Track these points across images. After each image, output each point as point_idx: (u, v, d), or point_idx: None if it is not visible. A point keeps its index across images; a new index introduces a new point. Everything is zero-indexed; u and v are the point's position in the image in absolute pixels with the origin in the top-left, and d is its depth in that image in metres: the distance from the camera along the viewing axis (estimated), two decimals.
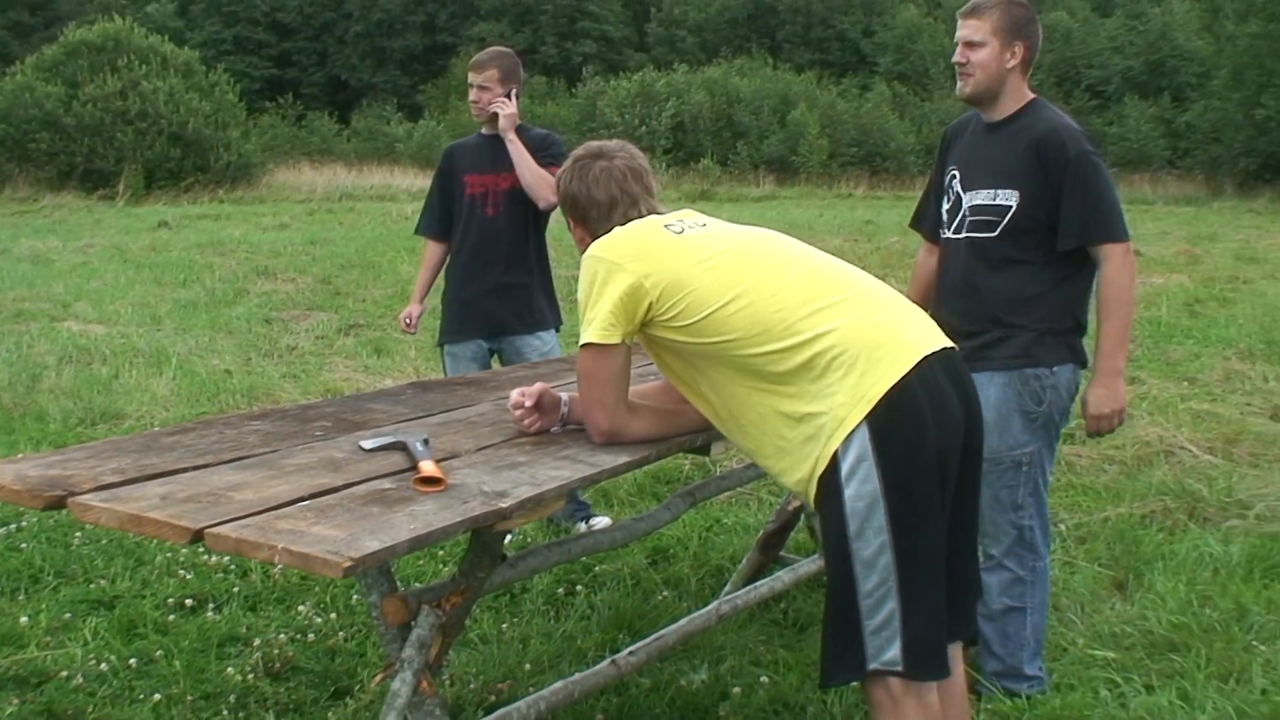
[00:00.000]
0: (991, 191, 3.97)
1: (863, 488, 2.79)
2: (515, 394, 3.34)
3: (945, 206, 4.19)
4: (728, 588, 4.98)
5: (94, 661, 4.27)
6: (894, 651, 2.84)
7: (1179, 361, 9.91)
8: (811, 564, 4.88)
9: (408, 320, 6.02)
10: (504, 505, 2.68)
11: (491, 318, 5.74)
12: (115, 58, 30.83)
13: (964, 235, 4.06)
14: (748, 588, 4.67)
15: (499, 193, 5.71)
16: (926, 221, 4.41)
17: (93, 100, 29.91)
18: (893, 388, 2.79)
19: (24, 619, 4.61)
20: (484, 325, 5.75)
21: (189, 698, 4.06)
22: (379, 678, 3.10)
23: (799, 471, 2.92)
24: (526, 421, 3.31)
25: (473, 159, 5.76)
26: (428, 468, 2.84)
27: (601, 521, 5.81)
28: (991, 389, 3.93)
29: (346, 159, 39.72)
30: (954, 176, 4.14)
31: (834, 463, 2.82)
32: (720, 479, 4.41)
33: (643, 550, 5.48)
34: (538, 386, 3.34)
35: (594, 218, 3.23)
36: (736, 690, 4.09)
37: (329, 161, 38.34)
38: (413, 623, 3.03)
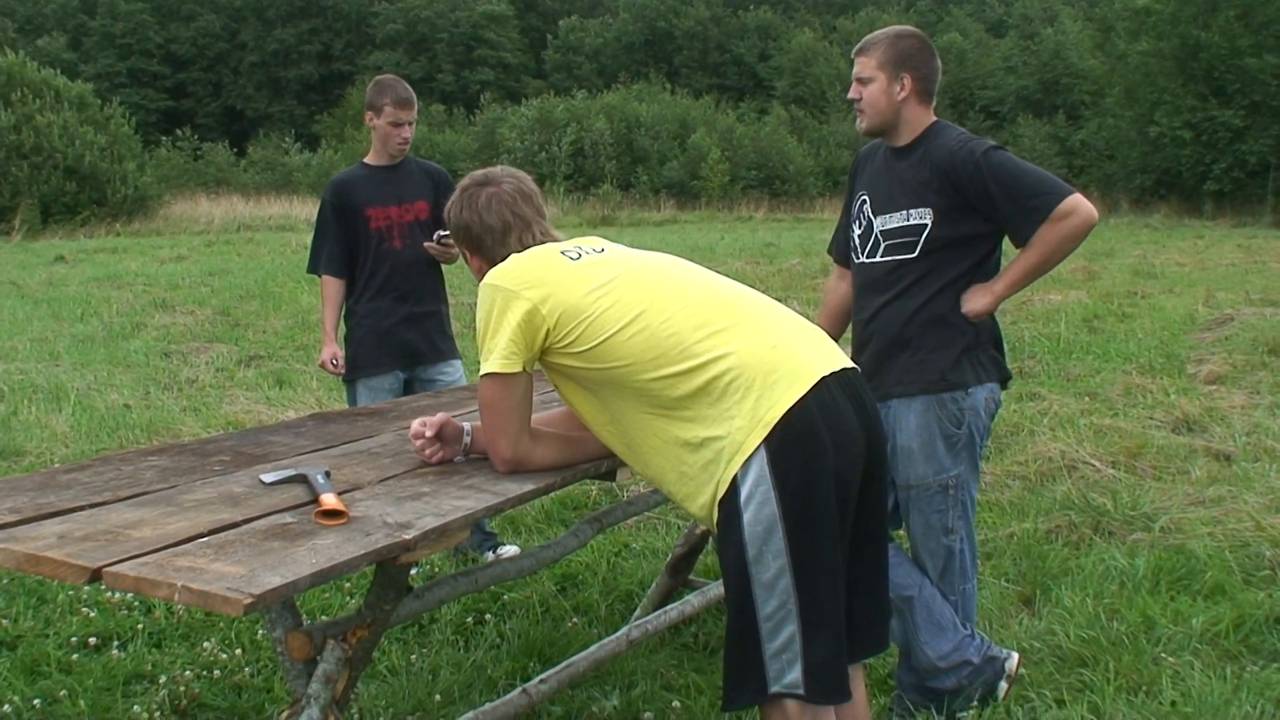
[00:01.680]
0: (904, 213, 3.98)
1: (761, 511, 2.79)
2: (416, 424, 3.32)
3: (857, 232, 4.19)
4: (637, 613, 4.97)
5: None
6: (795, 674, 2.84)
7: (1079, 377, 10.08)
8: (720, 587, 4.89)
9: (334, 362, 5.78)
10: (408, 537, 2.66)
11: (407, 348, 5.69)
12: (8, 92, 30.36)
13: (880, 259, 4.06)
14: (657, 613, 4.67)
15: (404, 225, 5.67)
16: (838, 247, 4.45)
17: None
18: (789, 410, 2.79)
19: None
20: (401, 356, 5.68)
21: None
22: (284, 715, 3.05)
23: (702, 497, 2.92)
24: (428, 452, 3.28)
25: (371, 192, 5.67)
26: (329, 500, 2.81)
27: (510, 550, 5.79)
28: (910, 415, 3.97)
29: (244, 190, 39.40)
30: (864, 201, 4.15)
31: (733, 487, 2.82)
32: (627, 504, 4.41)
33: (551, 577, 5.46)
34: (439, 417, 3.32)
35: (488, 245, 3.22)
36: (648, 716, 4.08)
37: (226, 193, 38.03)
38: (318, 658, 2.99)
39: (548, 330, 2.97)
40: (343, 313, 5.78)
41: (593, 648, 4.27)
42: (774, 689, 2.86)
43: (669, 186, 41.80)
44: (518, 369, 3.00)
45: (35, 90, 30.90)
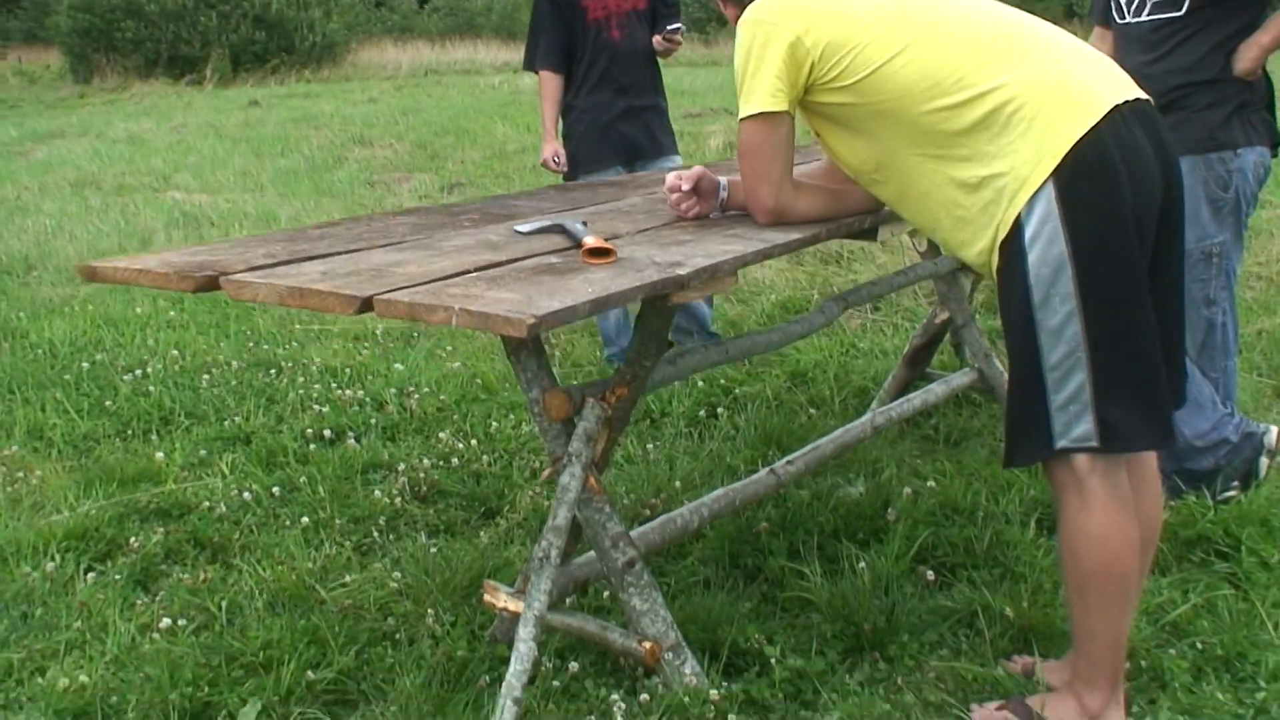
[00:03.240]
0: None
1: (1048, 251, 2.53)
2: (671, 178, 3.14)
3: None
4: (874, 404, 4.80)
5: (235, 492, 4.21)
6: (1085, 426, 2.59)
7: None
8: (964, 377, 4.68)
9: (555, 160, 5.62)
10: (681, 273, 2.50)
11: (628, 142, 5.54)
12: None
13: (1145, 17, 3.80)
14: (901, 400, 4.49)
15: (621, 14, 5.49)
16: (1097, 7, 4.15)
17: None
18: (1080, 140, 2.51)
19: (159, 455, 4.55)
20: (622, 151, 5.53)
21: (337, 521, 3.98)
22: (547, 473, 2.96)
23: (980, 242, 2.68)
24: (684, 206, 3.11)
25: None
26: (593, 241, 2.67)
27: None
28: None
29: (428, 35, 39.33)
30: None
31: (1016, 226, 2.56)
32: (871, 285, 4.20)
33: (781, 374, 5.31)
34: (696, 169, 3.14)
35: None
36: (907, 491, 3.92)
37: (411, 39, 38.02)
38: (577, 418, 2.89)
39: (812, 64, 2.73)
40: (560, 109, 5.62)
41: (837, 432, 4.11)
42: (1061, 443, 2.63)
43: None
44: (782, 107, 2.78)
45: None
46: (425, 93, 23.63)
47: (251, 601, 3.44)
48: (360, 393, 5.15)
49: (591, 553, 3.17)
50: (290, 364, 5.64)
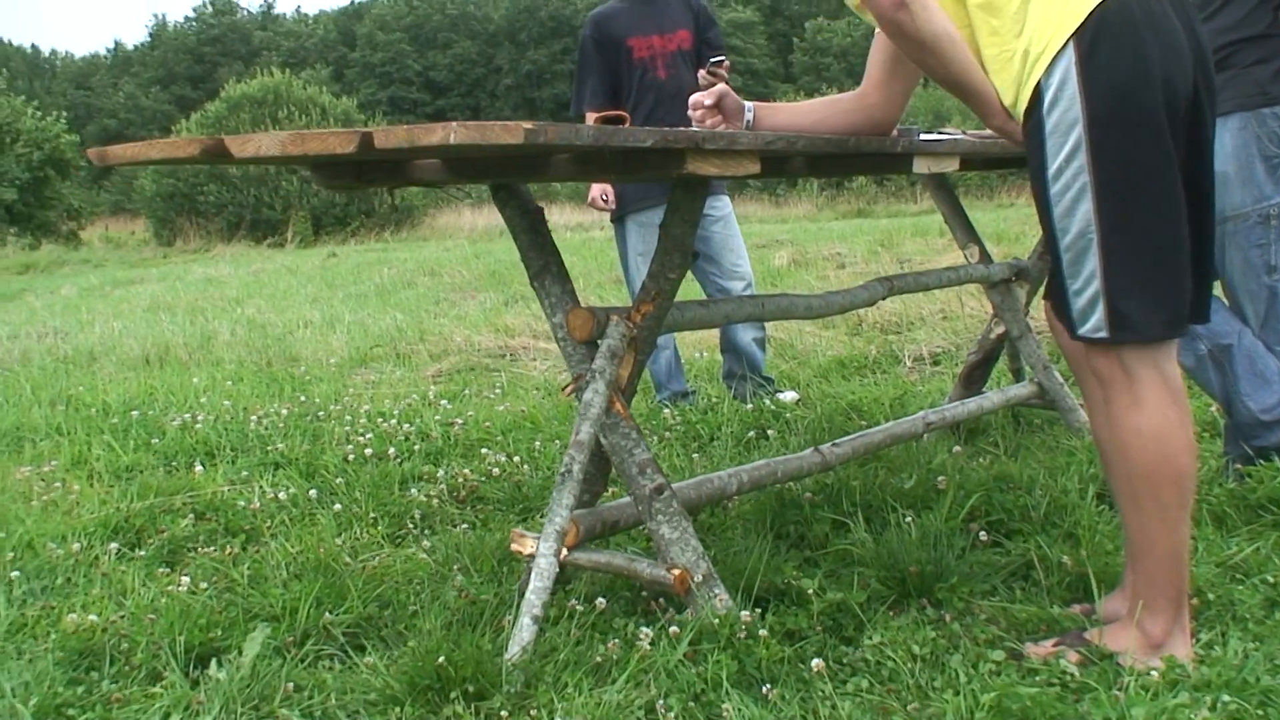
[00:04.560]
0: None
1: (1063, 117, 2.40)
2: (695, 97, 3.09)
3: None
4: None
5: (272, 495, 4.12)
6: (1097, 316, 2.44)
7: None
8: (1023, 389, 4.54)
9: (604, 198, 5.57)
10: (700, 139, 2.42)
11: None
12: (275, 110, 31.44)
13: None
14: (954, 403, 4.36)
15: (667, 54, 5.52)
16: None
17: None
18: (1103, 2, 2.38)
19: (198, 468, 4.49)
20: (669, 189, 5.48)
21: (371, 515, 3.87)
22: (567, 390, 2.86)
23: (1020, 120, 2.56)
24: (709, 122, 3.05)
25: (631, 22, 5.53)
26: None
27: (790, 396, 5.52)
28: (1226, 136, 3.54)
29: None
30: None
31: (1036, 94, 2.44)
32: (918, 274, 4.10)
33: (835, 406, 5.17)
34: (719, 87, 3.08)
35: None
36: (956, 453, 3.76)
37: (488, 203, 38.74)
38: (600, 340, 2.80)
39: None
40: None
41: (889, 424, 3.98)
42: (1080, 331, 2.49)
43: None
44: None
45: (301, 108, 31.95)
46: (498, 244, 23.97)
47: (276, 572, 3.33)
48: (406, 426, 5.07)
49: (622, 499, 3.06)
50: (339, 407, 5.59)
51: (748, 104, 3.08)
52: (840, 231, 16.71)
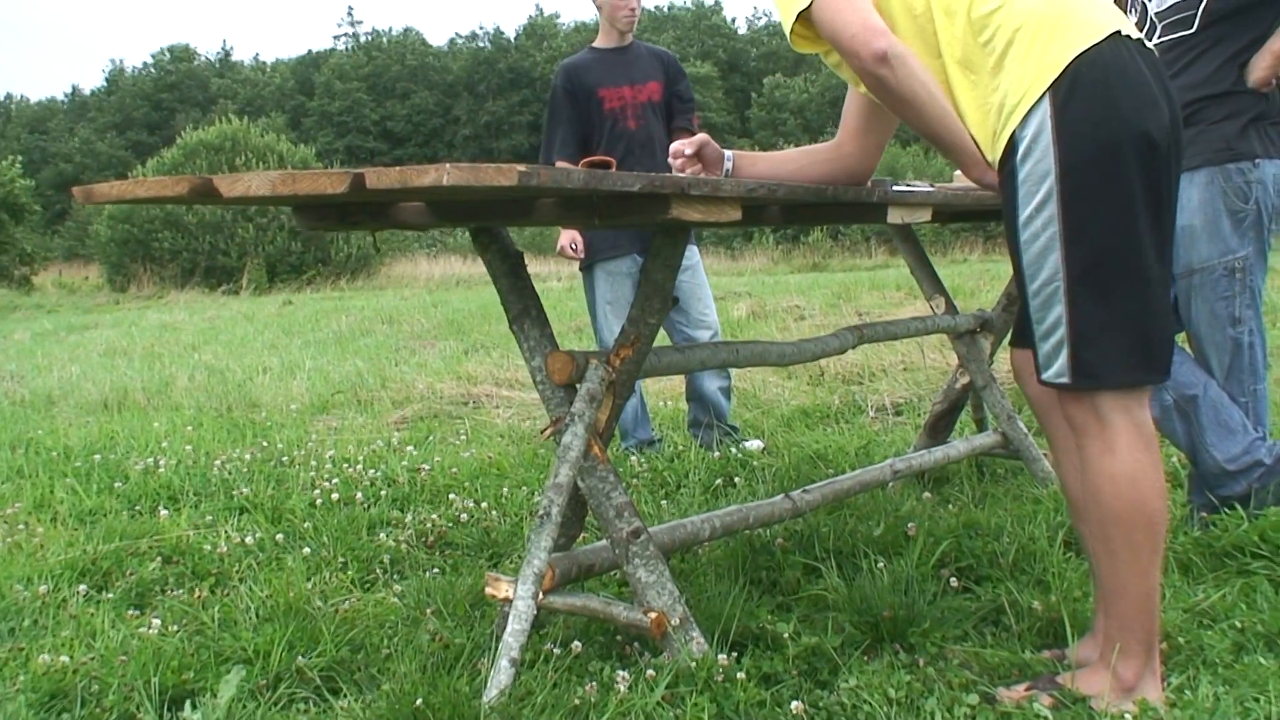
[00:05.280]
0: None
1: (1036, 167, 2.44)
2: (675, 145, 3.11)
3: (1131, 20, 3.92)
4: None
5: (239, 539, 4.09)
6: (1060, 362, 2.49)
7: None
8: (987, 438, 4.58)
9: (573, 246, 5.59)
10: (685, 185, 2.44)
11: (643, 230, 5.55)
12: (233, 157, 31.31)
13: (1158, 40, 3.78)
14: (921, 451, 4.39)
15: (638, 105, 5.56)
16: None
17: None
18: (1080, 55, 2.43)
19: (163, 511, 4.46)
20: (638, 238, 5.50)
21: (340, 559, 3.86)
22: (546, 432, 2.87)
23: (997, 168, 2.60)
24: (690, 170, 3.07)
25: (602, 73, 5.58)
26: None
27: (755, 444, 5.54)
28: (1193, 190, 3.62)
29: (461, 250, 40.11)
30: None
31: (1011, 144, 2.49)
32: (887, 324, 4.15)
33: (801, 455, 5.20)
34: (700, 136, 3.11)
35: None
36: (926, 500, 3.78)
37: (444, 252, 38.81)
38: (578, 384, 2.82)
39: None
40: None
41: (858, 470, 4.01)
42: (1043, 377, 2.54)
43: (880, 232, 41.18)
44: None
45: (259, 155, 31.83)
46: (455, 294, 23.97)
47: (246, 615, 3.31)
48: (372, 471, 5.06)
49: (597, 543, 3.06)
50: (302, 453, 5.56)
51: (727, 152, 3.11)
52: (798, 285, 16.80)
